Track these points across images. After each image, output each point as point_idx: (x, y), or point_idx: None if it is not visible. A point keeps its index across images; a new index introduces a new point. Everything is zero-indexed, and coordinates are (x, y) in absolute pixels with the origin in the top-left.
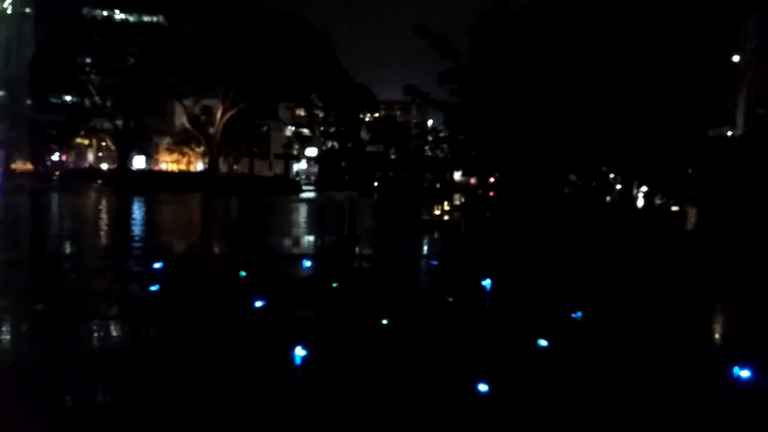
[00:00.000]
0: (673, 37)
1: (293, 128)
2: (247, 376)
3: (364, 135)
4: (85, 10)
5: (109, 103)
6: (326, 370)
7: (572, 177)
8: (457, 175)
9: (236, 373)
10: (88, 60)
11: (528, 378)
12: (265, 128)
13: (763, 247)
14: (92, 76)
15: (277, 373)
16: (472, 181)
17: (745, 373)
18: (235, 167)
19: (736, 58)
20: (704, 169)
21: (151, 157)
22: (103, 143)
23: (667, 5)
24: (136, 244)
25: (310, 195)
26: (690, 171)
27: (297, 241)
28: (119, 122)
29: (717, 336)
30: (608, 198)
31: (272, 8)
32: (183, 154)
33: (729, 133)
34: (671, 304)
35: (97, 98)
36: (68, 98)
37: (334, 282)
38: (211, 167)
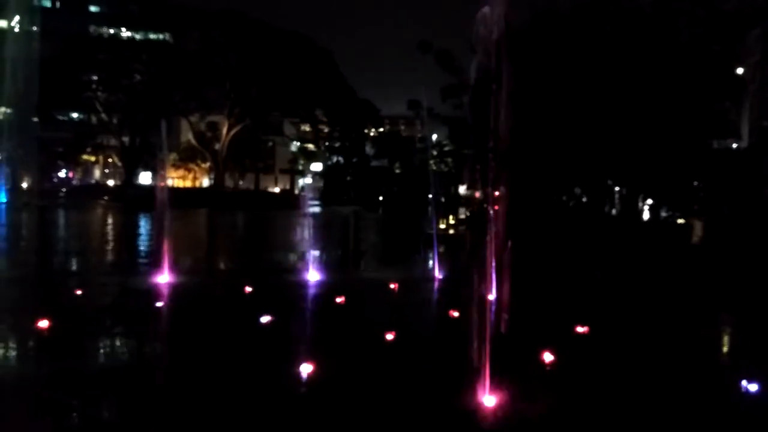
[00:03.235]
0: (677, 50)
1: (298, 143)
2: (252, 391)
3: (368, 150)
4: (92, 28)
5: (115, 120)
6: (332, 385)
7: (577, 190)
8: (462, 189)
9: (240, 388)
10: (95, 77)
11: (534, 392)
12: (270, 144)
13: None
14: (98, 93)
15: (283, 389)
16: (477, 195)
17: (753, 387)
18: (240, 183)
19: (739, 71)
20: (709, 182)
21: (157, 174)
22: (110, 160)
23: (670, 19)
24: (141, 260)
25: (316, 210)
26: (695, 184)
27: (302, 256)
28: (125, 139)
29: (724, 350)
30: (614, 211)
31: (277, 26)
32: (189, 170)
33: (734, 146)
34: (678, 317)
35: (103, 115)
36: (75, 115)
37: (339, 297)
38: (217, 183)
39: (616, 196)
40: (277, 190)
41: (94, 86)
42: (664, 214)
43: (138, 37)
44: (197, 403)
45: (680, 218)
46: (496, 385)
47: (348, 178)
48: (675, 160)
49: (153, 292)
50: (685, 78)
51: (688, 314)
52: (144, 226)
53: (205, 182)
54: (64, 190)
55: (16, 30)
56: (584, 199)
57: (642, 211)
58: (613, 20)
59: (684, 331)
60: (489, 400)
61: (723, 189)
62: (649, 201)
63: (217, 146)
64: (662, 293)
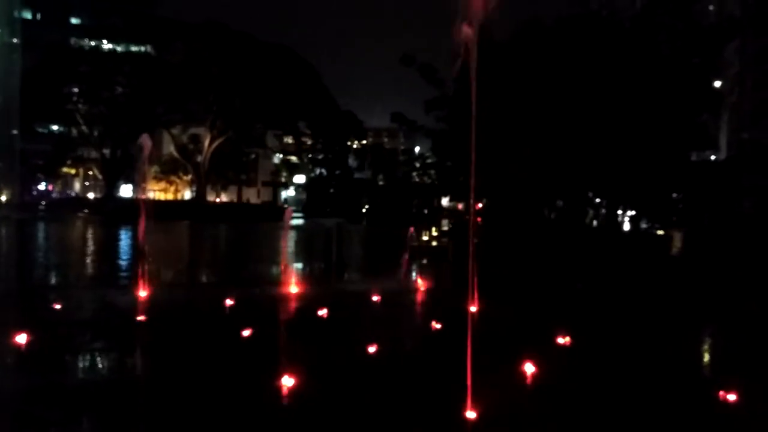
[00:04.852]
0: (657, 63)
1: (281, 156)
2: (234, 405)
3: (351, 162)
4: (73, 40)
5: (96, 133)
6: (314, 399)
7: (558, 202)
8: (445, 201)
9: (222, 402)
10: (76, 89)
11: (515, 404)
12: (253, 156)
13: (748, 270)
14: (79, 106)
15: (265, 403)
16: (460, 206)
17: (731, 396)
18: (222, 195)
19: (717, 84)
20: (689, 194)
21: (138, 186)
22: (90, 172)
23: (650, 33)
24: (122, 274)
25: (299, 222)
26: (674, 195)
27: (285, 269)
28: (106, 151)
29: (704, 360)
30: (594, 223)
31: (260, 38)
32: (170, 183)
33: (713, 158)
34: (658, 328)
35: (84, 127)
36: (55, 128)
37: (323, 309)
38: (199, 195)
39: (597, 208)
40: (249, 201)
41: (75, 98)
42: (644, 225)
43: (120, 49)
44: (176, 422)
45: (660, 230)
46: (476, 398)
47: (331, 191)
48: (654, 172)
49: (132, 307)
50: (665, 91)
51: (667, 324)
52: (124, 239)
53: (187, 195)
54: (43, 202)
55: None
56: (565, 211)
57: (622, 222)
58: (594, 34)
59: (663, 341)
60: (470, 413)
61: (702, 200)
62: (630, 212)
63: (199, 158)
64: (642, 304)
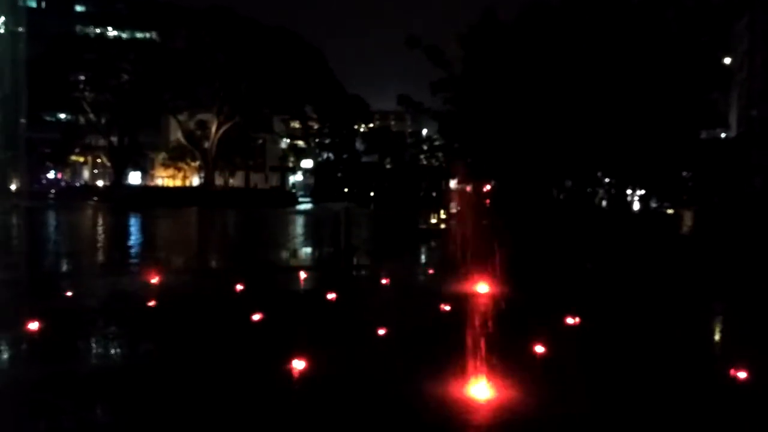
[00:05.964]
0: (665, 41)
1: (288, 140)
2: (245, 389)
3: (359, 145)
4: (78, 28)
5: (103, 120)
6: (325, 382)
7: (567, 183)
8: (453, 183)
9: (233, 386)
10: (82, 77)
11: (525, 384)
12: (260, 141)
13: (759, 248)
14: (86, 94)
15: (276, 386)
16: (468, 188)
17: (742, 375)
18: (231, 181)
19: (727, 61)
20: (698, 172)
21: (146, 173)
22: (98, 160)
23: (658, 10)
24: (132, 260)
25: (307, 207)
26: (684, 174)
27: (294, 253)
28: (114, 139)
29: (715, 339)
30: (604, 202)
31: (264, 22)
32: (178, 169)
33: (722, 135)
34: (669, 307)
35: (91, 115)
36: (62, 116)
37: (332, 293)
38: (207, 181)
39: (607, 187)
40: (256, 186)
41: (81, 86)
42: (653, 204)
43: (125, 36)
44: (192, 406)
45: (670, 208)
46: (487, 377)
47: (339, 175)
48: (664, 151)
49: (143, 293)
50: (674, 69)
51: (676, 304)
52: (133, 226)
53: (195, 181)
54: (53, 191)
55: (2, 31)
56: (575, 191)
57: (632, 202)
58: (601, 12)
59: (672, 321)
60: (481, 392)
61: (712, 179)
62: (639, 192)
63: (207, 144)
64: (652, 283)
